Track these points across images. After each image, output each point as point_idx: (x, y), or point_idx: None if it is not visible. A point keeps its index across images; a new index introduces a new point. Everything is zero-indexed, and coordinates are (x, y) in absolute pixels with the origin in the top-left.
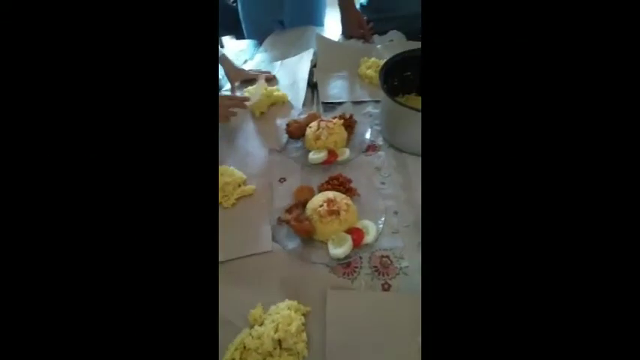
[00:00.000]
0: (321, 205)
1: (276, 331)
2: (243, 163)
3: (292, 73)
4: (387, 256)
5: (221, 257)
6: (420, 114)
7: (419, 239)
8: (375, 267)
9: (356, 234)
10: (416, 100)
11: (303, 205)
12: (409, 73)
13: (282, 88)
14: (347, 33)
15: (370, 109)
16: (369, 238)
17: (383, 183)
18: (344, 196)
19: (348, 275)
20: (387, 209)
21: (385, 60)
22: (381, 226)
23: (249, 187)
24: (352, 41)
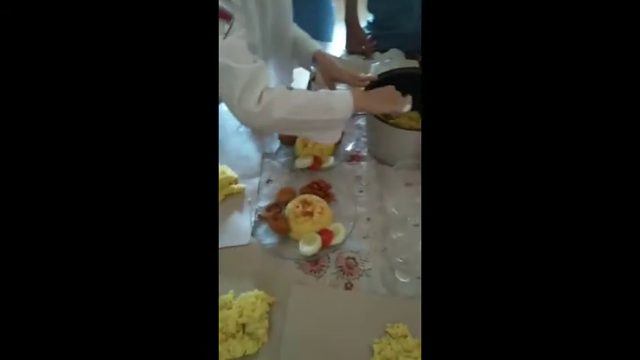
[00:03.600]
0: (297, 206)
1: (241, 315)
2: (237, 164)
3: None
4: (353, 258)
5: None
6: (398, 130)
7: (384, 245)
8: (341, 267)
9: (325, 235)
10: (403, 116)
11: (284, 204)
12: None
13: None
14: (349, 49)
15: (360, 121)
16: (337, 240)
17: (361, 191)
18: (320, 199)
19: (315, 272)
20: (359, 215)
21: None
22: (350, 230)
23: (239, 187)
24: (354, 57)
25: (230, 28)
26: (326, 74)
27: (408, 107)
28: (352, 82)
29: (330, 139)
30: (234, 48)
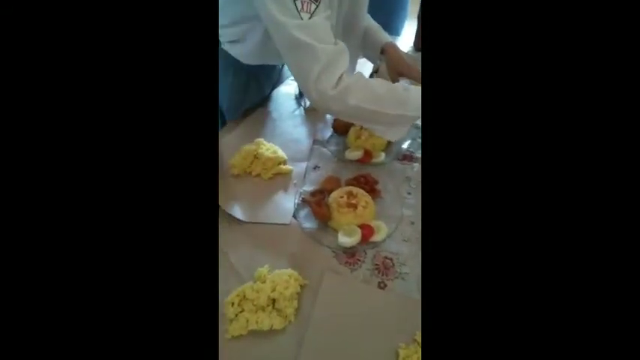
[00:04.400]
0: (342, 197)
1: (273, 290)
2: (287, 146)
3: None
4: (391, 259)
5: (246, 218)
6: None
7: None
8: (377, 265)
9: (366, 230)
10: None
11: (328, 192)
12: None
13: None
14: (417, 45)
15: (419, 121)
16: (377, 237)
17: (409, 193)
18: (366, 194)
19: (350, 265)
20: (404, 217)
21: None
22: (393, 230)
23: (287, 168)
24: (420, 54)
25: (317, 8)
26: (393, 67)
27: None
28: (419, 80)
29: (395, 135)
30: (319, 28)
